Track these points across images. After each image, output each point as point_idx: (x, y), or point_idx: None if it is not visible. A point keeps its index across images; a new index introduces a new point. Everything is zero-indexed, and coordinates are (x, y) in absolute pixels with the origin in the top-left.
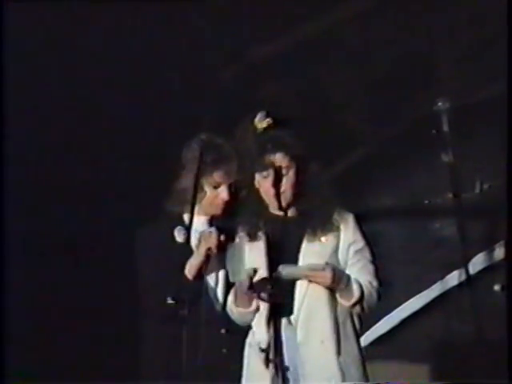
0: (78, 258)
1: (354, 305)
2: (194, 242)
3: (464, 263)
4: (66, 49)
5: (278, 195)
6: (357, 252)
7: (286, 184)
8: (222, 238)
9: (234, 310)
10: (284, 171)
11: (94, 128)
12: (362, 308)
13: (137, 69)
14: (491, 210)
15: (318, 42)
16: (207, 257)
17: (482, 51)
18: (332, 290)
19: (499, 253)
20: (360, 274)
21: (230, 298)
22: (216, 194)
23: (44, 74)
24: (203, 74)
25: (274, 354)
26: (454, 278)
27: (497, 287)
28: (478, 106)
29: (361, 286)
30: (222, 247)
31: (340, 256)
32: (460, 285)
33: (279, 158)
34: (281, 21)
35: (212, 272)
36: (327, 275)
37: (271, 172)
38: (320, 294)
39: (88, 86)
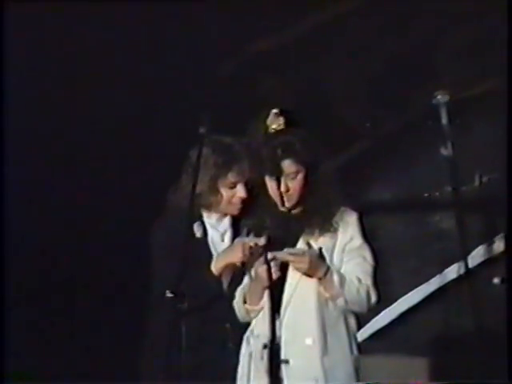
0: (82, 254)
1: (336, 297)
2: (210, 238)
3: (463, 256)
4: (65, 49)
5: (283, 197)
6: (353, 250)
7: (293, 188)
8: (260, 244)
9: (242, 307)
10: (292, 176)
11: (97, 126)
12: (346, 302)
13: (136, 66)
14: (490, 203)
15: (318, 37)
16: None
17: (482, 44)
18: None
19: (498, 246)
20: (352, 270)
21: (240, 293)
22: (233, 194)
23: (44, 74)
24: (203, 70)
25: (273, 349)
26: (453, 272)
27: (496, 280)
28: (477, 98)
29: (343, 279)
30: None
31: (335, 257)
32: (459, 278)
33: (288, 165)
34: (280, 15)
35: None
36: (305, 260)
37: (279, 177)
38: (308, 293)
39: (88, 84)
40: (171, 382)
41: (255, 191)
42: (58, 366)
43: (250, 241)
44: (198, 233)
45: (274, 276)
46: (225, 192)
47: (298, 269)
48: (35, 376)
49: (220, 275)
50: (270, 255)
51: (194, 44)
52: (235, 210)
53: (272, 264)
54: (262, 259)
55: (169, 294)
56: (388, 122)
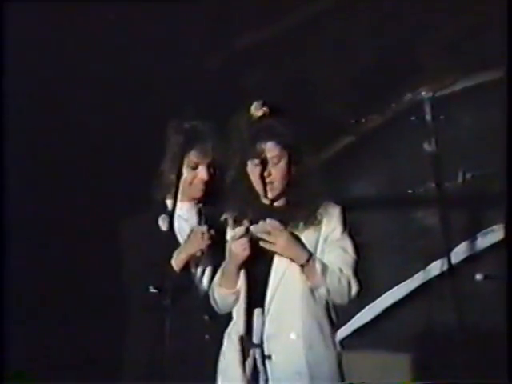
0: (66, 249)
1: (318, 286)
2: (178, 229)
3: (446, 252)
4: (65, 48)
5: (265, 184)
6: (333, 241)
7: (276, 174)
8: (213, 232)
9: (218, 291)
10: (275, 160)
11: (85, 120)
12: (328, 291)
13: (125, 59)
14: (474, 199)
15: (304, 31)
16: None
17: (466, 39)
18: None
19: (481, 242)
20: (334, 261)
21: (216, 277)
22: (194, 175)
23: (44, 74)
24: (190, 62)
25: (250, 343)
26: (436, 268)
27: (479, 276)
28: (461, 94)
29: (325, 268)
30: (213, 244)
31: (319, 251)
32: (442, 274)
33: (270, 147)
34: (267, 9)
35: (200, 265)
36: (283, 238)
37: (261, 160)
38: (294, 287)
39: (87, 82)
40: (152, 377)
41: (230, 179)
42: (58, 365)
43: (199, 230)
44: (164, 226)
45: (247, 252)
46: (186, 172)
47: (274, 247)
48: (35, 376)
49: (183, 268)
50: (252, 228)
51: (181, 38)
52: (197, 192)
53: (245, 239)
54: (236, 235)
55: (152, 290)
56: (372, 117)
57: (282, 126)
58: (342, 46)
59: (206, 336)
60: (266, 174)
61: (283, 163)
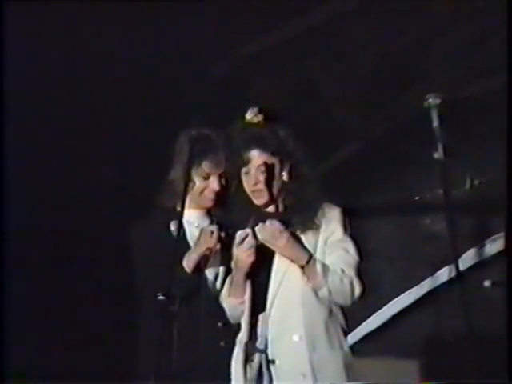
0: (73, 254)
1: (319, 287)
2: (189, 235)
3: (454, 259)
4: (65, 48)
5: (254, 192)
6: (334, 243)
7: (262, 181)
8: (223, 235)
9: (227, 301)
10: (262, 168)
11: (88, 124)
12: (329, 292)
13: (128, 65)
14: (481, 206)
15: (309, 38)
16: (206, 253)
17: (473, 46)
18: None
19: (489, 249)
20: (335, 262)
21: (225, 287)
22: (206, 185)
23: (44, 74)
24: (194, 70)
25: (254, 348)
26: (444, 274)
27: (487, 283)
28: (469, 101)
29: (326, 269)
30: (223, 245)
31: (318, 252)
32: (450, 281)
33: (256, 155)
34: (271, 17)
35: (211, 266)
36: (283, 238)
37: (249, 168)
38: (294, 289)
39: (87, 83)
40: (163, 382)
41: (231, 188)
42: (58, 365)
43: (208, 229)
44: (175, 231)
45: (252, 258)
46: (198, 181)
47: (276, 249)
48: (35, 376)
49: (195, 270)
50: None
51: (186, 46)
52: (208, 202)
53: (248, 243)
54: (237, 240)
55: (160, 297)
56: (379, 124)
57: (270, 133)
58: (349, 53)
59: (221, 343)
60: (252, 181)
61: (272, 171)
